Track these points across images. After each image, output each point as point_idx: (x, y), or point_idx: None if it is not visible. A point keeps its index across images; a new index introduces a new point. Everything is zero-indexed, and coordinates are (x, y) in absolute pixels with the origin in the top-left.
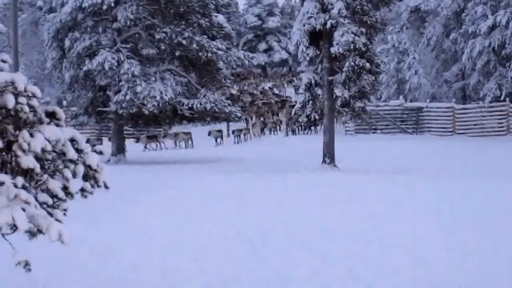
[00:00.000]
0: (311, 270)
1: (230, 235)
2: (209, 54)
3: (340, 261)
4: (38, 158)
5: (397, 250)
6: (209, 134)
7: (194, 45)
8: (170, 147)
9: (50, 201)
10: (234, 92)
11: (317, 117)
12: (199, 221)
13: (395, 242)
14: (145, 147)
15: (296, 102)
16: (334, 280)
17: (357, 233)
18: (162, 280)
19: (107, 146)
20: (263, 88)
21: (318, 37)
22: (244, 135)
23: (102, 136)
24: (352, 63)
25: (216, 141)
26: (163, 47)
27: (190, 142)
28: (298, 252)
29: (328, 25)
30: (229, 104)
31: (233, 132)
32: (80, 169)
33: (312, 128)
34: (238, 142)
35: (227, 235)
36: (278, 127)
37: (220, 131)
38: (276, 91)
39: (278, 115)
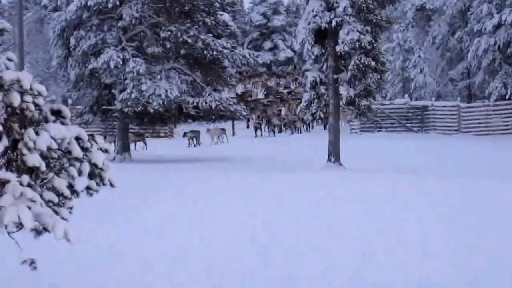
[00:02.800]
0: (319, 270)
1: (238, 235)
2: (215, 53)
3: (348, 260)
4: (43, 156)
5: (405, 249)
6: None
7: (200, 44)
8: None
9: (55, 199)
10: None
11: (322, 115)
12: (207, 221)
13: (403, 241)
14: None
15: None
16: (342, 280)
17: (364, 232)
18: (170, 280)
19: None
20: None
21: (324, 36)
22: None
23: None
24: (358, 62)
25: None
26: (168, 46)
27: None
28: (306, 251)
29: (334, 24)
30: (234, 103)
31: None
32: (86, 167)
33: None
34: (193, 146)
35: (235, 235)
36: (264, 126)
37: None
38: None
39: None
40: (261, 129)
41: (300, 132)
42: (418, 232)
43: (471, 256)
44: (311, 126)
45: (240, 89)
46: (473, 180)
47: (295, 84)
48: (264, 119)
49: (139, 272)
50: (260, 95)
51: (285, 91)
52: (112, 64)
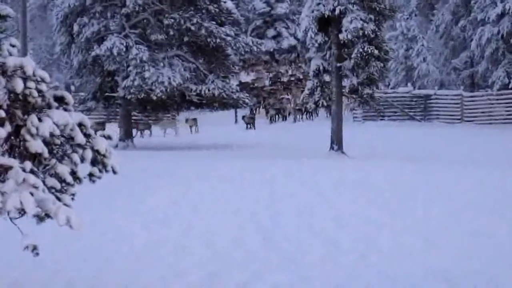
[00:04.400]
0: (322, 256)
1: (241, 220)
2: (218, 40)
3: (351, 247)
4: (46, 143)
5: (409, 235)
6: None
7: (203, 31)
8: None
9: (58, 185)
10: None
11: (325, 103)
12: (210, 207)
13: (407, 228)
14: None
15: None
16: (345, 266)
17: (368, 219)
18: (173, 265)
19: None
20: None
21: (327, 24)
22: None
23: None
24: (361, 50)
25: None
26: (171, 33)
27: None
28: (309, 237)
29: (337, 12)
30: (237, 90)
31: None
32: (89, 153)
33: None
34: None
35: (238, 220)
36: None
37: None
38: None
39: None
40: (253, 124)
41: (302, 120)
42: (422, 219)
43: (476, 243)
44: (313, 115)
45: (243, 77)
46: (476, 167)
47: (299, 72)
48: (257, 110)
49: (143, 257)
50: (264, 83)
51: (290, 79)
52: (115, 51)
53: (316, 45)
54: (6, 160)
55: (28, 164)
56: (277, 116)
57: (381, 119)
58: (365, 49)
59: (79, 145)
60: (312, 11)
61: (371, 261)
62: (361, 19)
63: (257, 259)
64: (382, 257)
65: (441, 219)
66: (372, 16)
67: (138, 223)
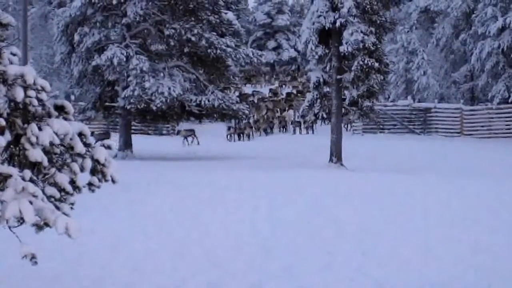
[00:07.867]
0: (320, 265)
1: (240, 229)
2: (218, 51)
3: (350, 256)
4: (46, 152)
5: (407, 246)
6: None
7: (203, 42)
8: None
9: (57, 194)
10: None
11: (325, 115)
12: (209, 215)
13: (405, 239)
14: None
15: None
16: (343, 276)
17: (366, 229)
18: (172, 273)
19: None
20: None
21: (327, 36)
22: None
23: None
24: (361, 62)
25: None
26: (172, 43)
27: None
28: (308, 247)
29: (338, 24)
30: (236, 102)
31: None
32: (88, 163)
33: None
34: None
35: (237, 229)
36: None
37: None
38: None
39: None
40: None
41: (272, 133)
42: (420, 231)
43: (473, 255)
44: (285, 129)
45: (243, 88)
46: (474, 180)
47: (299, 84)
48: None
49: (140, 265)
50: (263, 95)
51: (290, 91)
52: (115, 61)
53: (317, 57)
54: (5, 169)
55: (27, 173)
56: (240, 135)
57: (381, 132)
58: (366, 61)
59: (78, 155)
60: (313, 23)
61: (369, 271)
62: (361, 32)
63: (255, 268)
64: (380, 267)
65: (439, 231)
66: (372, 29)
67: (136, 231)
